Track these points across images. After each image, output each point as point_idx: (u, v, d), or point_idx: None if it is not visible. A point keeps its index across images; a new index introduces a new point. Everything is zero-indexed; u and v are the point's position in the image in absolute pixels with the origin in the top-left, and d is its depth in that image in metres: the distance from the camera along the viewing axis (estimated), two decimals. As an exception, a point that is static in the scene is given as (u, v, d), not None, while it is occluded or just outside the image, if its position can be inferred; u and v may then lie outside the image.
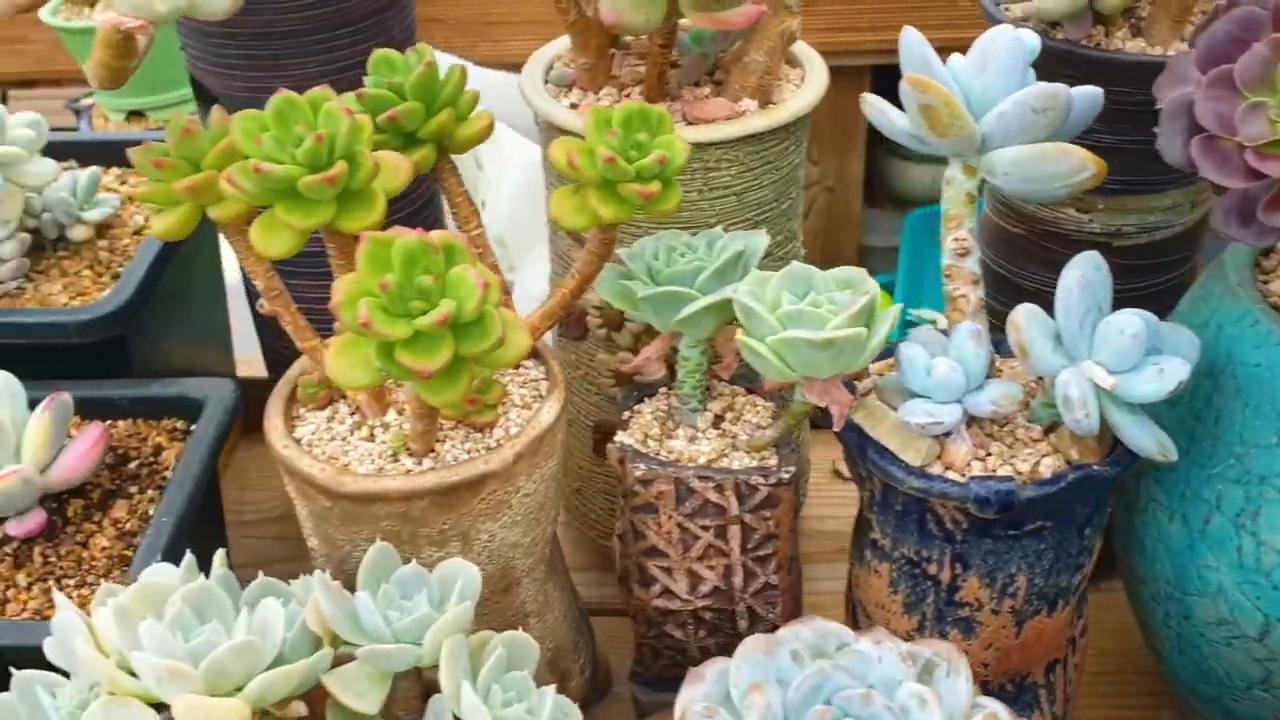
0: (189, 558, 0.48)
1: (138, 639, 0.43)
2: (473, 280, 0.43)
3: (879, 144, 2.04)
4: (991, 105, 0.53)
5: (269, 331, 0.75)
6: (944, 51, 1.75)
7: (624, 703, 0.70)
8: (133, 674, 0.43)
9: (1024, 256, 0.70)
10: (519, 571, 0.59)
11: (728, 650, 0.62)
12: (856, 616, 0.63)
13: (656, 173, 0.52)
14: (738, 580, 0.60)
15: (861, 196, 1.90)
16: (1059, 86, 0.52)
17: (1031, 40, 0.54)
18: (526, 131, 1.36)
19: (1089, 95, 0.54)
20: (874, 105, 0.58)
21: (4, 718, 0.46)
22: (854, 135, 1.82)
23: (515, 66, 1.80)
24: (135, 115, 1.37)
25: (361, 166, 0.48)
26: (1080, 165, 0.52)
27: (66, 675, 0.47)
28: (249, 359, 0.88)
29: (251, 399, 0.87)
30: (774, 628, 0.61)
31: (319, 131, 0.47)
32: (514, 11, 1.65)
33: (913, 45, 0.54)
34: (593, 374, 0.71)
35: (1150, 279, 0.69)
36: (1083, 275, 0.52)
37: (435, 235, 0.44)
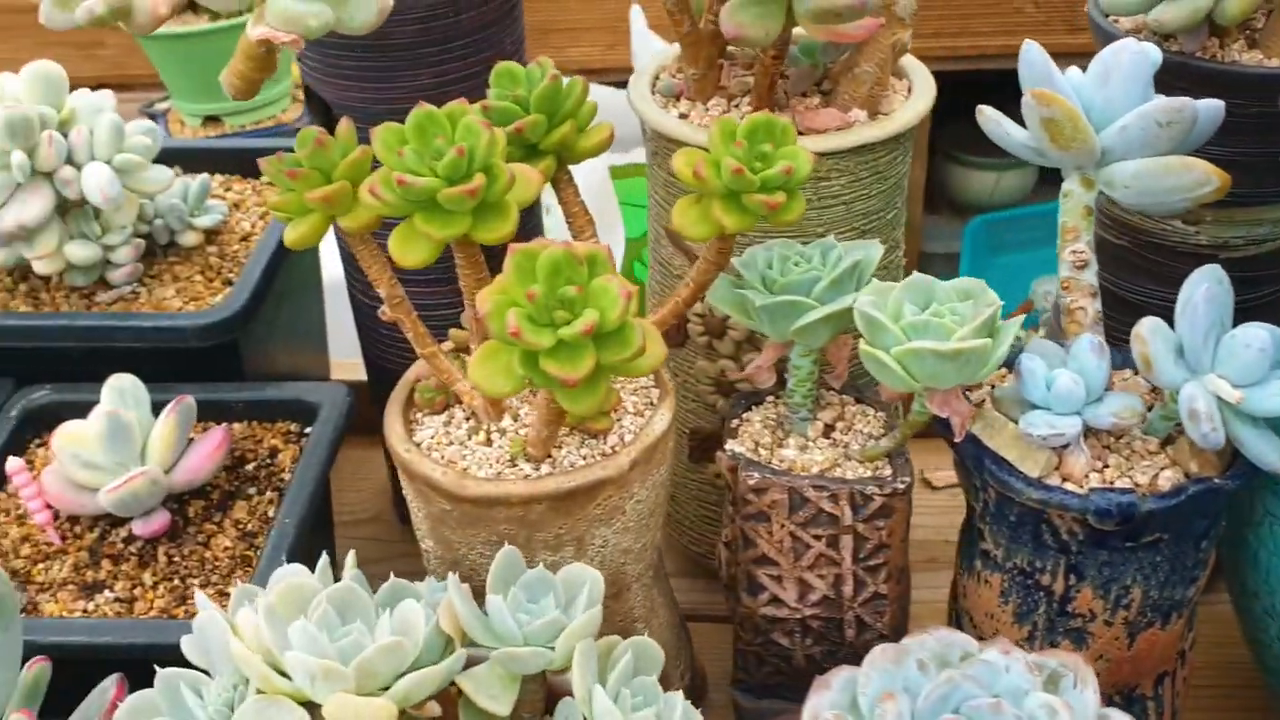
0: (324, 560, 0.49)
1: (287, 639, 0.44)
2: (616, 290, 0.44)
3: (938, 150, 2.03)
4: (1113, 118, 0.53)
5: (370, 336, 0.76)
6: (1008, 58, 1.72)
7: (720, 709, 0.70)
8: (282, 673, 0.44)
9: (1127, 268, 0.69)
10: (629, 577, 0.60)
11: (833, 658, 0.62)
12: (962, 626, 0.63)
13: (782, 183, 0.52)
14: (847, 589, 0.60)
15: (922, 203, 1.90)
16: (1185, 100, 0.52)
17: (1155, 54, 0.54)
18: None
19: (1212, 108, 0.53)
20: (990, 117, 0.58)
21: (144, 714, 0.47)
22: (915, 142, 1.82)
23: (577, 72, 1.81)
24: (211, 120, 1.39)
25: (498, 179, 0.49)
26: (1204, 179, 0.52)
27: (205, 673, 0.48)
28: (338, 362, 0.90)
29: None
30: (881, 636, 0.62)
31: (460, 145, 0.47)
32: (576, 19, 1.67)
33: (1035, 59, 0.54)
34: (690, 380, 0.71)
35: (1257, 291, 0.68)
36: (1209, 289, 0.52)
37: (580, 246, 0.45)
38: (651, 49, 1.61)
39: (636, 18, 1.63)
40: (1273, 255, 0.67)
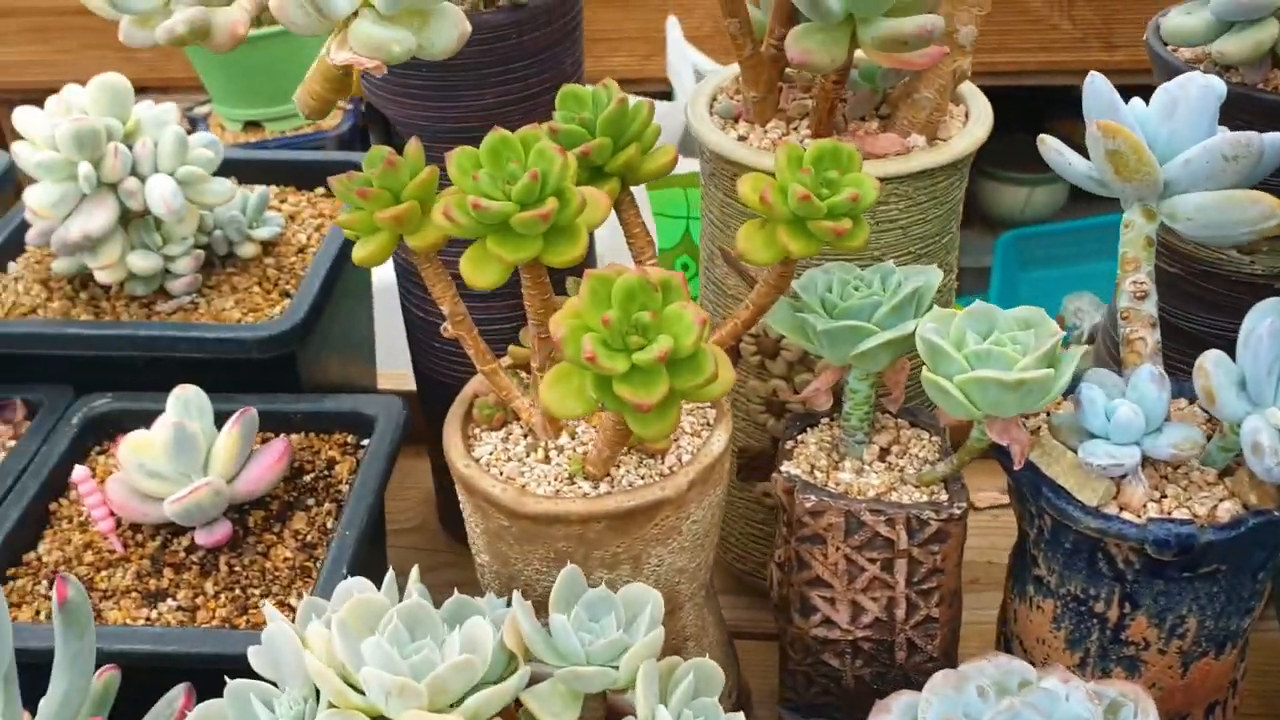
0: (390, 575, 0.50)
1: (360, 654, 0.44)
2: (690, 317, 0.45)
3: (970, 164, 2.03)
4: (1177, 151, 0.54)
5: (421, 348, 0.77)
6: (1045, 74, 1.73)
7: (766, 726, 0.71)
8: (354, 688, 0.44)
9: (1180, 296, 0.70)
10: (682, 596, 0.60)
11: (883, 680, 0.63)
12: (1011, 650, 0.63)
13: (848, 210, 0.53)
14: (900, 612, 0.60)
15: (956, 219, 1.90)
16: (1252, 135, 0.52)
17: (1220, 87, 0.54)
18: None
19: (1278, 142, 0.54)
20: (1052, 146, 0.58)
21: (212, 724, 0.48)
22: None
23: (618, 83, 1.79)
24: (252, 125, 1.40)
25: (570, 203, 0.49)
26: (1270, 212, 0.53)
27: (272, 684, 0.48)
28: (384, 373, 0.90)
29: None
30: (931, 659, 0.62)
31: (534, 170, 0.48)
32: (613, 29, 1.68)
33: (1099, 90, 0.55)
34: (741, 399, 0.72)
35: (1309, 321, 0.68)
36: (1273, 324, 0.52)
37: (654, 272, 0.45)
38: (688, 60, 1.62)
39: (673, 28, 1.63)
40: (1328, 285, 0.67)
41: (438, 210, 0.50)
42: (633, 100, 0.57)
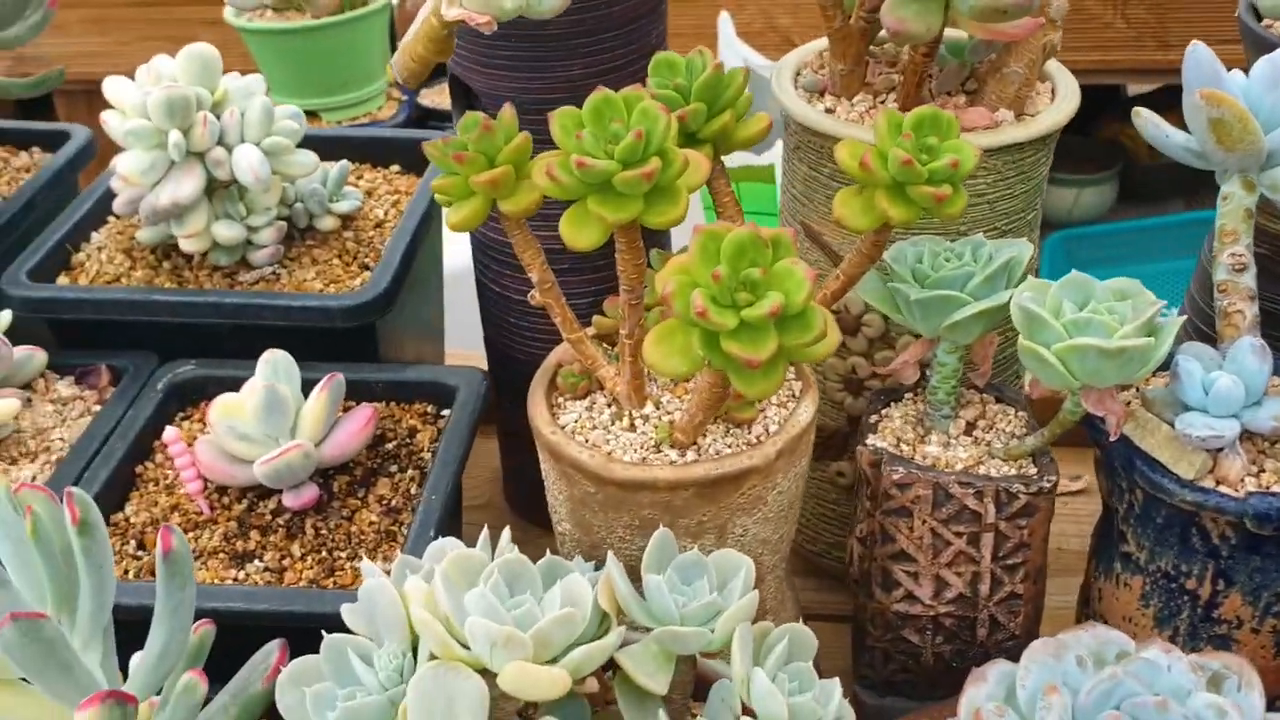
0: (485, 532, 0.50)
1: (463, 607, 0.44)
2: (801, 274, 0.44)
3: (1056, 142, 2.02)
4: (1280, 122, 0.53)
5: (496, 324, 0.77)
6: (1099, 73, 1.72)
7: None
8: (459, 641, 0.44)
9: (1266, 276, 0.69)
10: (764, 568, 0.60)
11: (963, 657, 0.62)
12: (1095, 630, 0.62)
13: (948, 176, 0.52)
14: (984, 588, 0.60)
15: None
16: (1358, 104, 0.51)
17: (1324, 58, 0.53)
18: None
19: (1381, 114, 0.53)
20: (1149, 119, 0.58)
21: (308, 679, 0.48)
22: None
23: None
24: (309, 115, 1.40)
25: (672, 164, 0.49)
26: (1373, 184, 0.52)
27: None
28: (452, 352, 0.91)
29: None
30: (1013, 637, 0.61)
31: (637, 129, 0.48)
32: (668, 25, 1.68)
33: (1202, 59, 0.54)
34: (819, 377, 0.71)
35: (1399, 302, 0.67)
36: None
37: (764, 229, 0.45)
38: (740, 56, 1.62)
39: (725, 24, 1.64)
40: None
41: (539, 169, 0.50)
42: (728, 67, 0.57)
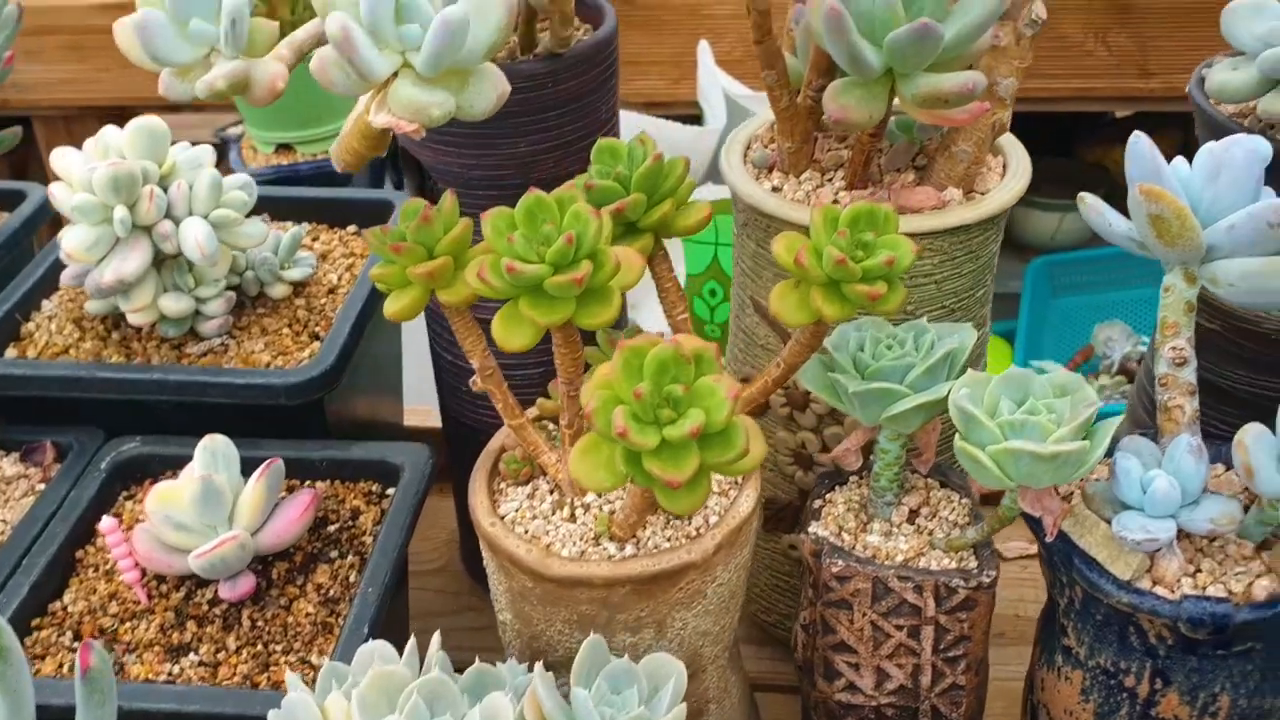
0: (411, 644, 0.50)
1: (380, 728, 0.44)
2: (723, 391, 0.44)
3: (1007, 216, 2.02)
4: (1220, 215, 0.53)
5: (449, 390, 0.77)
6: (1080, 100, 1.71)
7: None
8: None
9: (1217, 353, 0.69)
10: (705, 659, 0.59)
11: (907, 743, 0.62)
12: (1038, 719, 0.62)
13: (883, 274, 0.52)
14: (925, 680, 0.59)
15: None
16: (1297, 203, 0.51)
17: (1265, 149, 0.53)
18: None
19: (1324, 208, 0.53)
20: (1093, 207, 0.57)
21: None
22: (977, 182, 1.80)
23: (643, 105, 1.81)
24: (283, 148, 1.40)
25: (604, 266, 0.49)
26: (1314, 282, 0.52)
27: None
28: (411, 409, 0.90)
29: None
30: (958, 725, 0.61)
31: (569, 232, 0.48)
32: (646, 52, 1.67)
33: (1143, 152, 0.54)
34: (770, 450, 0.71)
35: (1352, 380, 0.67)
36: (1315, 398, 0.51)
37: (687, 343, 0.45)
38: (718, 84, 1.61)
39: (704, 52, 1.63)
40: (1370, 345, 0.66)
41: (471, 272, 0.50)
42: (667, 156, 0.57)
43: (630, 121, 1.37)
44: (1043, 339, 1.84)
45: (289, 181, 1.30)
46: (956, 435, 0.53)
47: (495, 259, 0.49)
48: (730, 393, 0.44)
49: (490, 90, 0.47)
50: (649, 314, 1.37)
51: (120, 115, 0.75)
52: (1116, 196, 0.55)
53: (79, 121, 1.72)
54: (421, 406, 0.90)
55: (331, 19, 0.43)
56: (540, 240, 0.49)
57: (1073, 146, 2.09)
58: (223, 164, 1.76)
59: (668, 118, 1.52)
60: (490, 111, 0.48)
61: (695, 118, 1.60)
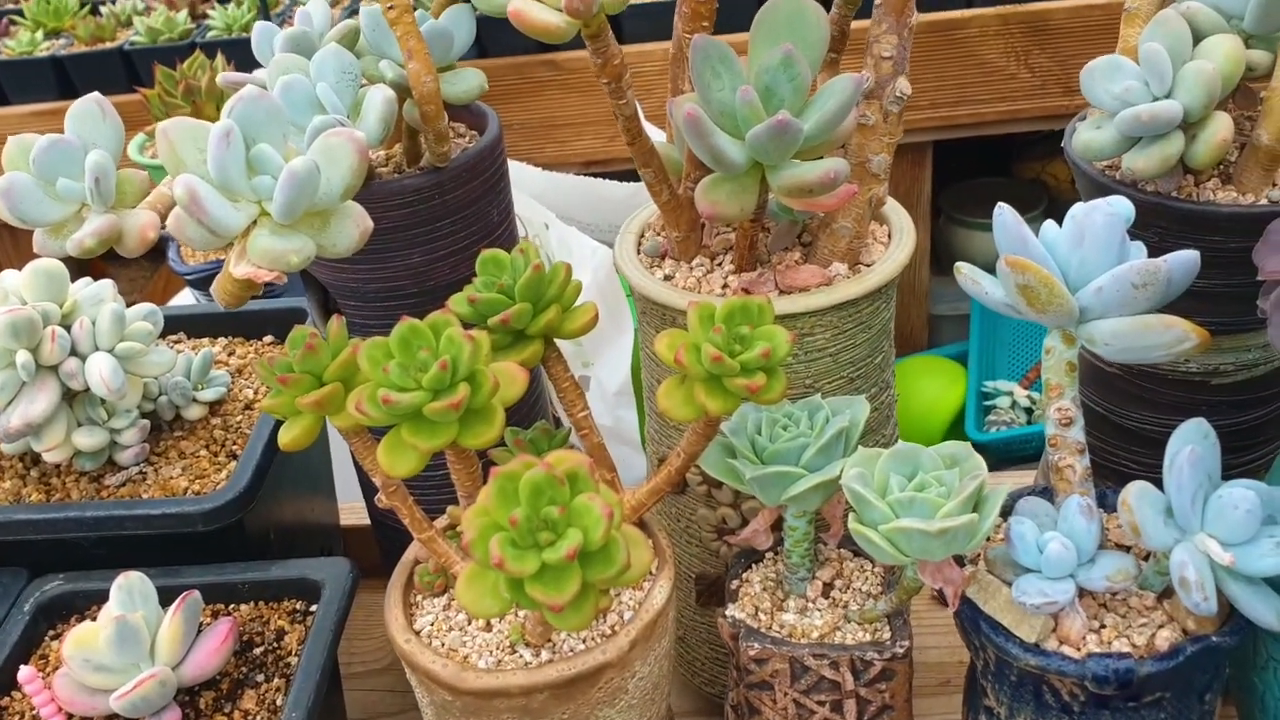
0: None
1: None
2: (598, 510, 0.45)
3: (941, 212, 2.04)
4: (1089, 278, 0.54)
5: (370, 491, 0.77)
6: (1006, 123, 1.73)
7: None
8: None
9: (1120, 395, 0.70)
10: (636, 749, 0.60)
11: (845, 813, 0.62)
12: (974, 775, 0.63)
13: (761, 365, 0.53)
14: (855, 749, 0.60)
15: (929, 266, 1.91)
16: (1158, 262, 0.52)
17: (1127, 210, 0.54)
18: (599, 231, 1.39)
19: (1185, 261, 0.54)
20: (969, 276, 0.58)
21: None
22: (918, 207, 1.83)
23: (581, 165, 1.82)
24: (221, 242, 1.41)
25: (482, 386, 0.50)
26: (1183, 336, 0.53)
27: None
28: (347, 506, 0.91)
29: (357, 547, 0.89)
30: (890, 792, 0.61)
31: (443, 359, 0.48)
32: (579, 114, 1.69)
33: (1009, 224, 0.55)
34: (694, 527, 0.72)
35: (1250, 413, 0.68)
36: (1193, 451, 0.52)
37: (560, 464, 0.46)
38: (652, 139, 1.63)
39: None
40: (1265, 378, 0.67)
41: (351, 403, 0.51)
42: (579, 259, 0.58)
43: (568, 183, 1.38)
44: (996, 358, 1.86)
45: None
46: (850, 515, 0.54)
47: (372, 389, 0.49)
48: (605, 511, 0.45)
49: (352, 228, 0.48)
50: (608, 369, 1.37)
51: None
52: (1056, 210, 0.55)
53: (25, 232, 1.72)
54: (359, 504, 0.90)
55: (178, 182, 0.44)
56: (416, 367, 0.50)
57: (1010, 164, 2.12)
58: (163, 261, 1.76)
59: (606, 175, 1.54)
60: (354, 249, 0.48)
61: (633, 173, 1.62)
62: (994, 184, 2.08)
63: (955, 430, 1.74)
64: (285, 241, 0.47)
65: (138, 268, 1.97)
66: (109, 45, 1.71)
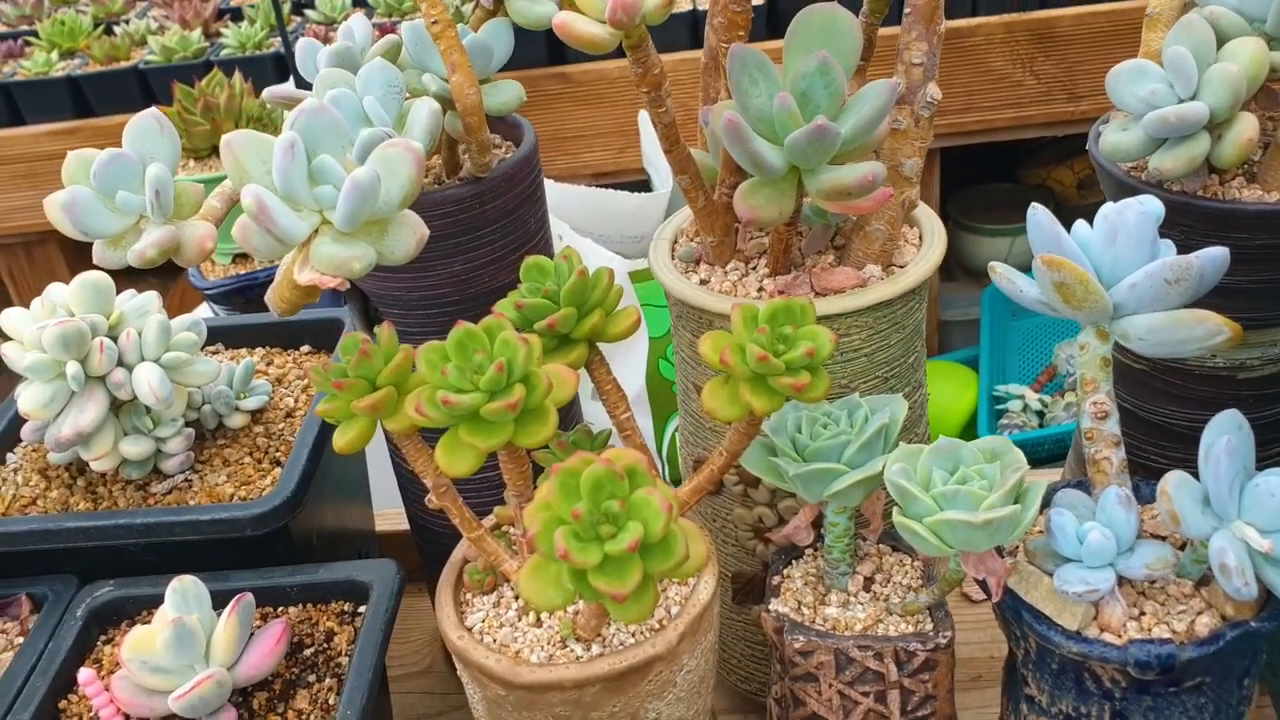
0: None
1: None
2: (657, 504, 0.46)
3: (950, 218, 2.06)
4: (1122, 275, 0.55)
5: (412, 497, 0.79)
6: (1014, 129, 1.76)
7: None
8: None
9: (1148, 391, 0.71)
10: (682, 743, 0.61)
11: (888, 805, 0.63)
12: (1012, 765, 0.64)
13: (805, 365, 0.54)
14: (898, 740, 0.61)
15: (938, 272, 1.92)
16: (1190, 258, 0.53)
17: (1157, 209, 0.55)
18: (610, 241, 1.40)
19: (1216, 257, 0.55)
20: (1004, 275, 0.60)
21: None
22: (926, 214, 1.84)
23: (591, 176, 1.85)
24: (241, 257, 1.43)
25: (536, 387, 0.51)
26: (1216, 330, 0.54)
27: None
28: (381, 513, 0.92)
29: (392, 553, 0.90)
30: (933, 782, 0.63)
31: (499, 360, 0.50)
32: (588, 126, 1.71)
33: (1042, 223, 0.56)
34: (729, 526, 0.73)
35: (1276, 406, 0.70)
36: (1229, 442, 0.53)
37: (619, 460, 0.47)
38: (661, 150, 1.65)
39: (644, 122, 1.67)
40: (1290, 372, 0.69)
41: (410, 406, 0.52)
42: (593, 269, 0.59)
43: (579, 195, 1.40)
44: (1007, 362, 1.87)
45: (248, 289, 1.32)
46: (894, 509, 0.55)
47: (431, 392, 0.51)
48: (664, 505, 0.46)
49: (410, 235, 0.50)
50: (624, 375, 1.39)
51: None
52: (1060, 215, 0.57)
53: (39, 246, 1.74)
54: (393, 510, 0.91)
55: (245, 192, 0.45)
56: (473, 370, 0.51)
57: (1016, 170, 2.14)
58: (179, 276, 1.77)
59: (616, 186, 1.56)
60: (411, 256, 0.50)
61: (644, 184, 1.64)
62: (1000, 190, 2.10)
63: (968, 434, 1.75)
64: (348, 249, 0.48)
65: (152, 283, 1.98)
66: (124, 64, 1.73)
